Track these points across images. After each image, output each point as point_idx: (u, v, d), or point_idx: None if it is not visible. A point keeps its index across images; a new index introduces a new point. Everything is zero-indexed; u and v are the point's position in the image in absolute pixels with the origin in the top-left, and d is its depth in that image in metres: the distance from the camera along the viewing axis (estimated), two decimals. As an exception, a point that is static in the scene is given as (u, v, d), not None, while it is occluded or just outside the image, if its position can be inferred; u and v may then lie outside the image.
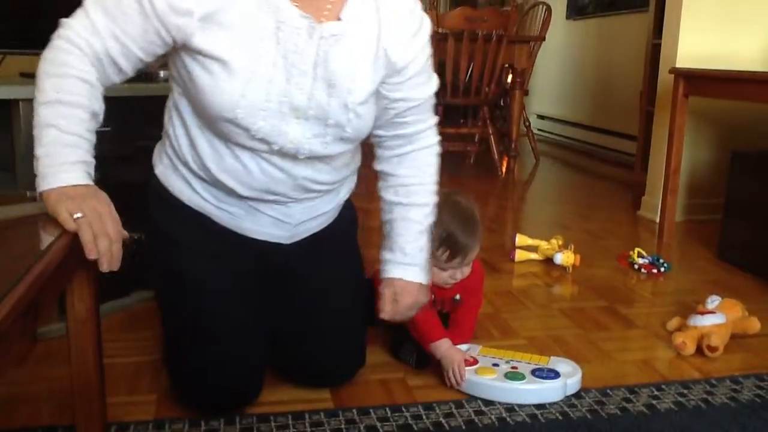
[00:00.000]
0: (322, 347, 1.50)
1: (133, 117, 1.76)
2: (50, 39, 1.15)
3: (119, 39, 1.15)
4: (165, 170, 1.40)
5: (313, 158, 1.32)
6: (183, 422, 1.38)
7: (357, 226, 1.65)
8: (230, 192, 1.34)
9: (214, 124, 1.24)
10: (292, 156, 1.29)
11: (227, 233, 1.39)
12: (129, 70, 1.20)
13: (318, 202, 1.44)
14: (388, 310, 1.45)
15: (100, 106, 1.16)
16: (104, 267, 1.04)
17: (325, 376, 1.54)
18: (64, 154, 1.08)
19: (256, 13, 1.18)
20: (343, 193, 1.53)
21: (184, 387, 1.45)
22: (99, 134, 1.86)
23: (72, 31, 1.14)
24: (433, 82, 1.45)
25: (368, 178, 1.61)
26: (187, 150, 1.33)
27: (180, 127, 1.33)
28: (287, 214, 1.39)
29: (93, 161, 1.12)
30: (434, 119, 1.51)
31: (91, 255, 1.02)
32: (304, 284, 1.50)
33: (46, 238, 0.96)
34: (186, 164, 1.35)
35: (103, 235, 1.02)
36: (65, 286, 1.04)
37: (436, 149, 1.52)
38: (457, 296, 1.73)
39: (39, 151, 1.08)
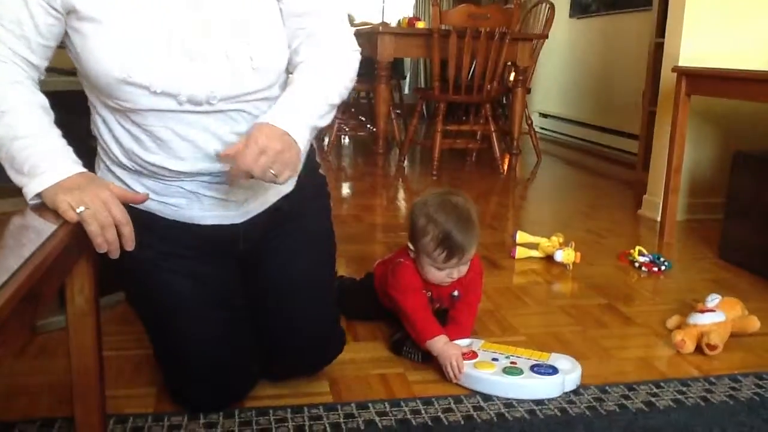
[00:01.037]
0: (287, 333, 1.44)
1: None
2: None
3: (16, 33, 1.13)
4: (103, 176, 1.36)
5: (231, 110, 1.25)
6: (182, 415, 1.38)
7: (327, 197, 1.56)
8: (168, 178, 1.29)
9: (115, 93, 1.19)
10: (206, 105, 1.22)
11: (179, 228, 1.34)
12: (41, 63, 1.19)
13: None
14: (230, 152, 1.19)
15: (44, 100, 1.15)
16: (114, 255, 1.05)
17: (295, 366, 1.49)
18: (40, 153, 1.06)
19: None
20: None
21: (171, 386, 1.45)
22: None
23: None
24: None
25: (373, 174, 1.61)
26: (111, 143, 1.29)
27: (99, 121, 1.30)
28: (229, 192, 1.33)
29: (70, 147, 1.11)
30: (348, 30, 1.39)
31: (101, 249, 1.03)
32: (267, 266, 1.44)
33: (47, 229, 0.96)
34: (118, 162, 1.31)
35: (110, 225, 1.03)
36: (65, 277, 1.04)
37: (353, 58, 1.38)
38: (455, 292, 1.73)
39: (15, 165, 1.06)
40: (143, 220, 1.28)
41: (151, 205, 1.31)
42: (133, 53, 1.15)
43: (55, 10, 1.15)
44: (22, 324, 0.80)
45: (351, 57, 1.38)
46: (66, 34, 1.19)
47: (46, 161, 1.06)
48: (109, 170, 1.35)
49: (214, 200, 1.33)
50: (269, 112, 1.24)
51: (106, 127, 1.29)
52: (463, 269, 1.68)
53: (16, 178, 1.07)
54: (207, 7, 1.20)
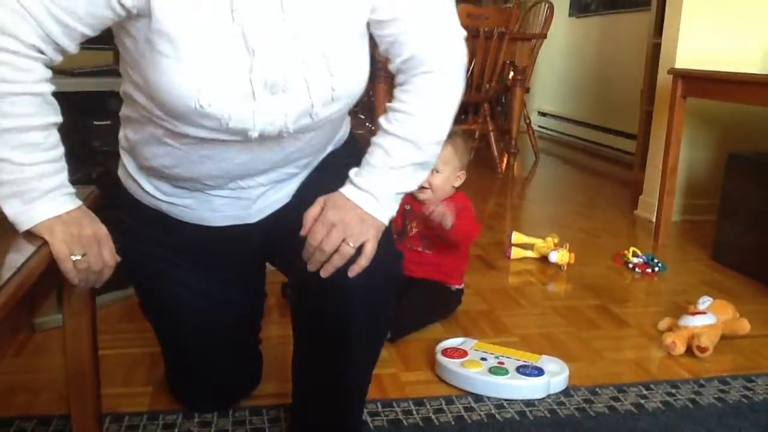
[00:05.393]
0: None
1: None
2: None
3: (59, 19, 0.94)
4: (122, 171, 1.29)
5: (296, 134, 1.13)
6: (177, 414, 1.40)
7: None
8: (177, 181, 1.20)
9: (177, 117, 1.04)
10: (275, 138, 1.11)
11: (193, 231, 1.26)
12: (72, 48, 1.00)
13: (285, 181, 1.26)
14: (309, 216, 1.09)
15: (53, 112, 0.99)
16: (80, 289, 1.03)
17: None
18: (31, 190, 0.95)
19: None
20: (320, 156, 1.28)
21: (174, 386, 1.47)
22: (98, 127, 1.88)
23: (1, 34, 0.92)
24: None
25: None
26: (134, 144, 1.19)
27: (126, 119, 1.18)
28: (241, 194, 1.23)
29: (65, 178, 1.00)
30: (452, 31, 1.15)
31: (74, 282, 0.98)
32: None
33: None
34: (131, 155, 1.23)
35: (98, 271, 0.99)
36: (61, 280, 1.06)
37: (451, 75, 1.15)
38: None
39: (1, 191, 0.94)
40: (158, 219, 1.26)
41: (161, 206, 1.26)
42: (208, 85, 1.00)
43: (122, 6, 0.97)
44: (17, 327, 0.82)
45: (445, 70, 1.14)
46: (126, 33, 1.03)
47: (40, 199, 0.96)
48: (124, 164, 1.26)
49: (225, 199, 1.23)
50: (348, 184, 1.12)
51: (132, 130, 1.18)
52: (434, 181, 1.88)
53: (7, 203, 0.95)
54: (294, 28, 1.04)
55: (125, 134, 1.21)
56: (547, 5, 4.86)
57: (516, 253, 2.55)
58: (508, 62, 4.48)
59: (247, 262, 1.40)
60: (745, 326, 1.86)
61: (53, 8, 0.93)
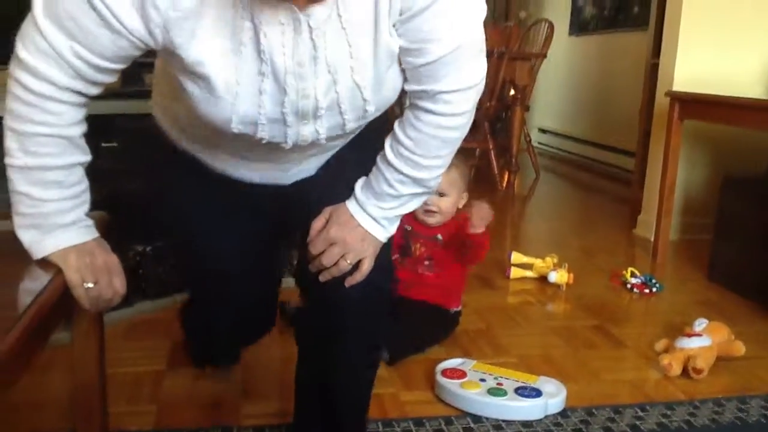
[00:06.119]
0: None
1: (140, 131, 1.81)
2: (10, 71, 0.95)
3: (90, 61, 0.95)
4: (158, 111, 1.29)
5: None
6: (181, 432, 1.43)
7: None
8: (218, 147, 1.22)
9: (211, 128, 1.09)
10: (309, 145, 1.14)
11: (226, 179, 1.27)
12: (108, 80, 1.01)
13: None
14: (314, 227, 1.16)
15: (80, 152, 1.03)
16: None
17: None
18: (49, 224, 1.01)
19: (232, 17, 0.97)
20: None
21: (192, 334, 1.57)
22: (105, 149, 1.92)
23: (29, 73, 0.94)
24: (469, 21, 1.07)
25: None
26: (172, 114, 1.22)
27: (166, 88, 1.18)
28: (280, 164, 1.24)
29: (83, 212, 1.05)
30: (472, 74, 1.12)
31: (85, 307, 1.04)
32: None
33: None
34: (172, 115, 1.24)
35: (108, 299, 1.04)
36: (74, 303, 1.08)
37: (460, 120, 1.15)
38: (438, 236, 1.92)
39: (19, 221, 1.00)
40: (193, 163, 1.27)
41: (200, 156, 1.26)
42: (241, 117, 1.04)
43: (148, 46, 0.98)
44: (32, 353, 0.85)
45: (456, 128, 1.16)
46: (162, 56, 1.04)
47: (56, 231, 1.02)
48: (164, 109, 1.26)
49: (265, 164, 1.24)
50: (352, 200, 1.18)
51: (170, 100, 1.19)
52: (442, 204, 1.92)
53: (16, 230, 1.01)
54: (324, 66, 1.03)
55: (163, 98, 1.23)
56: (547, 24, 4.91)
57: (515, 273, 2.58)
58: (508, 81, 4.53)
59: (276, 207, 1.35)
60: (739, 348, 1.89)
61: (82, 51, 0.94)
